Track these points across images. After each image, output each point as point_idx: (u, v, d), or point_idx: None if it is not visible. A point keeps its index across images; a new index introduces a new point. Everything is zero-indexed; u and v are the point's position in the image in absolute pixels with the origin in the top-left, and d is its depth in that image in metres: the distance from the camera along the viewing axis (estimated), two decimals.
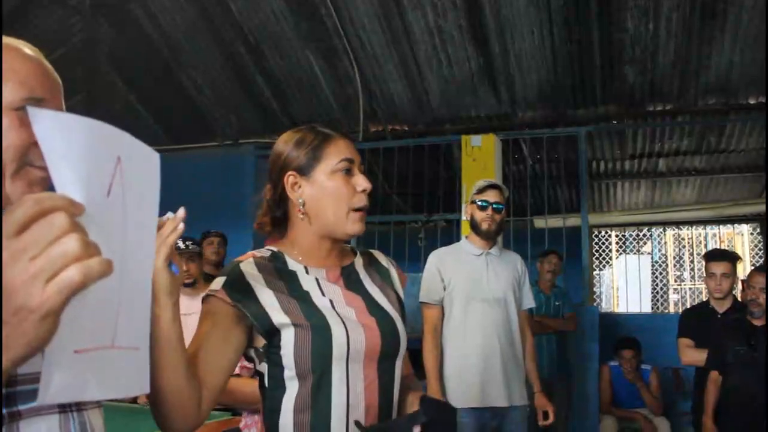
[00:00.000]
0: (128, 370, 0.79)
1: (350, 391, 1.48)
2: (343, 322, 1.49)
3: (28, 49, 1.06)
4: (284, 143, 1.60)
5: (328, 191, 1.54)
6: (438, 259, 3.70)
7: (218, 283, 1.46)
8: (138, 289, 0.79)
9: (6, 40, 1.05)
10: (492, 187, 3.64)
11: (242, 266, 1.51)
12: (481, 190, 3.64)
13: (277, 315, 1.46)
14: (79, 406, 0.99)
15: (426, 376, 3.49)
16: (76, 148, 0.69)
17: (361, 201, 1.56)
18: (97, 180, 0.71)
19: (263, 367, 1.52)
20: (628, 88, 6.17)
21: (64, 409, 0.96)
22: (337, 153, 1.56)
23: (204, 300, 1.47)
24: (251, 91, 6.84)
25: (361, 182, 1.56)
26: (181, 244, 4.07)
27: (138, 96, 7.07)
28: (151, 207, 0.82)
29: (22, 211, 0.63)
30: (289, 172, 1.56)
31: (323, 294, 1.54)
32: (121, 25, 6.21)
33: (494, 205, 3.59)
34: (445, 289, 3.62)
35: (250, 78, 6.68)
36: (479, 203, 3.62)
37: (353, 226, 1.57)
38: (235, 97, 6.94)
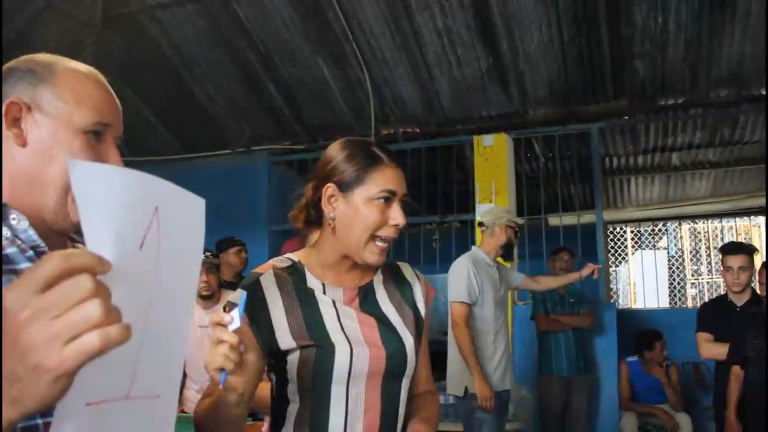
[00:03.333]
0: (146, 419, 0.79)
1: (348, 413, 1.50)
2: (349, 343, 1.50)
3: (100, 76, 1.14)
4: (337, 152, 1.58)
5: (360, 216, 1.53)
6: (471, 265, 4.18)
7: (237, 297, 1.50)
8: (167, 337, 0.79)
9: (77, 65, 1.12)
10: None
11: (262, 280, 1.53)
12: (516, 222, 4.39)
13: (285, 339, 1.49)
14: None
15: (467, 361, 4.04)
16: (111, 200, 0.69)
17: (389, 233, 1.55)
18: (131, 232, 0.71)
19: (272, 376, 1.58)
20: (638, 83, 6.14)
21: None
22: (382, 182, 1.53)
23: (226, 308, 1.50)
24: (262, 98, 6.87)
25: (397, 216, 1.54)
26: None
27: (150, 107, 7.11)
28: (192, 253, 0.82)
29: (48, 268, 0.63)
30: (330, 184, 1.54)
31: (338, 317, 1.54)
32: (132, 37, 6.25)
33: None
34: (478, 293, 4.15)
35: (261, 85, 6.71)
36: (516, 229, 4.38)
37: (371, 256, 1.55)
38: (246, 105, 6.97)
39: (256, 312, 1.48)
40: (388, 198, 1.53)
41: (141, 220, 0.72)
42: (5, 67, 1.09)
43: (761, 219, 10.37)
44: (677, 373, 5.80)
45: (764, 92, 6.08)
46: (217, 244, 5.07)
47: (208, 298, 4.10)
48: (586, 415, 5.63)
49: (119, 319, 0.64)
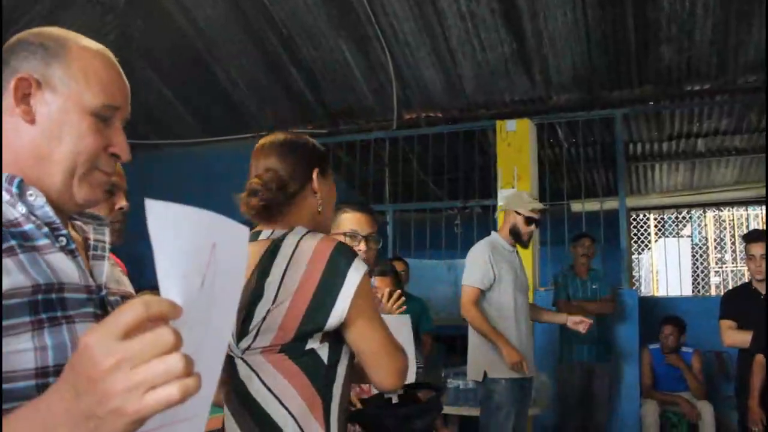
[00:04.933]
0: None
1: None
2: None
3: (111, 55, 1.11)
4: (305, 141, 1.81)
5: (333, 195, 1.85)
6: (489, 251, 4.17)
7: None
8: (210, 365, 0.81)
9: (89, 43, 1.10)
10: (540, 210, 4.23)
11: None
12: (534, 210, 4.19)
13: None
14: None
15: (487, 336, 4.04)
16: (181, 242, 0.72)
17: None
18: (195, 273, 0.73)
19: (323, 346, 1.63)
20: (664, 68, 6.06)
21: None
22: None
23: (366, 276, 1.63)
24: (285, 82, 6.87)
25: None
26: None
27: (173, 90, 7.14)
28: (236, 283, 0.84)
29: (130, 316, 0.67)
30: (317, 169, 1.77)
31: None
32: (155, 20, 6.27)
33: (536, 222, 4.22)
34: (494, 279, 4.12)
35: (284, 69, 6.71)
36: (527, 216, 4.17)
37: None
38: (268, 89, 6.97)
39: None
40: None
41: (202, 259, 0.74)
42: (14, 38, 1.07)
43: None
44: (700, 362, 5.76)
45: None
46: None
47: None
48: (607, 402, 5.61)
49: (194, 368, 0.68)
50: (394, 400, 2.08)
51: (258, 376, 1.59)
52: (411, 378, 2.47)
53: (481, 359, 4.12)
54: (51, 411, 0.71)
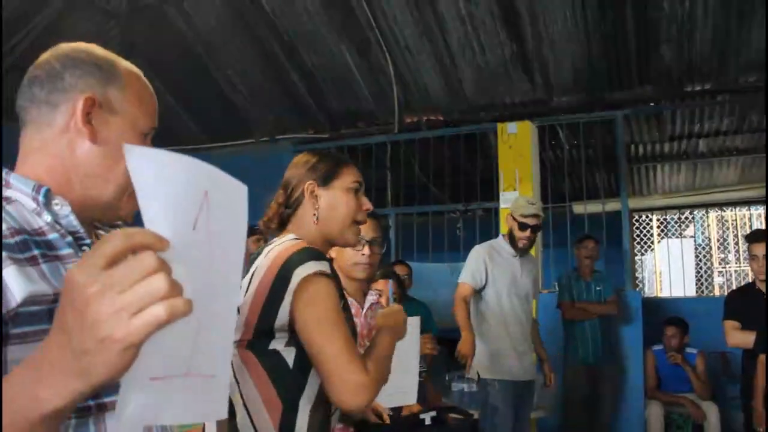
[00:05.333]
0: (203, 397, 0.81)
1: None
2: None
3: (144, 77, 1.19)
4: (307, 157, 1.88)
5: (342, 204, 1.81)
6: (486, 253, 4.29)
7: (326, 266, 1.65)
8: (220, 318, 0.81)
9: (130, 65, 1.17)
10: (535, 215, 4.20)
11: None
12: (525, 215, 4.19)
13: None
14: None
15: (460, 326, 4.09)
16: (166, 184, 0.72)
17: (364, 217, 1.86)
18: (184, 214, 0.74)
19: (289, 350, 1.65)
20: (665, 69, 6.05)
21: None
22: (352, 175, 1.85)
23: (322, 275, 1.62)
24: (286, 87, 6.88)
25: (367, 202, 1.87)
26: None
27: (175, 96, 7.15)
28: (237, 238, 0.84)
29: (112, 245, 0.67)
30: (310, 181, 1.81)
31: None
32: (157, 26, 6.28)
33: (533, 228, 4.21)
34: (486, 280, 4.23)
35: (285, 74, 6.72)
36: (520, 222, 4.21)
37: (353, 237, 1.85)
38: (270, 94, 6.98)
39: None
40: (358, 189, 1.85)
41: (192, 202, 0.74)
42: (59, 51, 1.10)
43: None
44: (704, 362, 5.75)
45: None
46: None
47: None
48: (611, 404, 5.60)
49: (182, 292, 0.68)
50: (427, 421, 2.08)
51: (231, 367, 1.61)
52: (413, 393, 2.40)
53: (476, 359, 4.18)
54: (44, 356, 0.72)
